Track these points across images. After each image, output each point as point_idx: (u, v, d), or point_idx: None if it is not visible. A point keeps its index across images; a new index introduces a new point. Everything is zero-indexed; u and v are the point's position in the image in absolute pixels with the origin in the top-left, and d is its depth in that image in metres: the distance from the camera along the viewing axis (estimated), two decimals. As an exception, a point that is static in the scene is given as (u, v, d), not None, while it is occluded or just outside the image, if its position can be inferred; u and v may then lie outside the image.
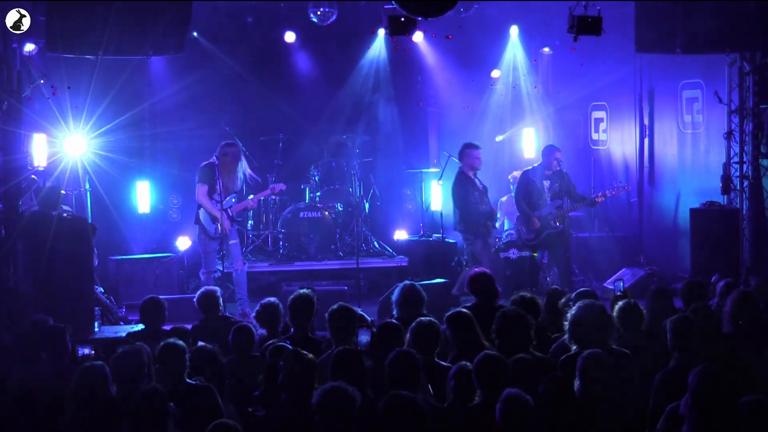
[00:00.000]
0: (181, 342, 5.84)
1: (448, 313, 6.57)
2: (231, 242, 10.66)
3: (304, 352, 5.66)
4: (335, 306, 6.44)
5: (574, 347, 5.87)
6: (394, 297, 7.34)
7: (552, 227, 11.15)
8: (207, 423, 5.02)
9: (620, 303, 6.56)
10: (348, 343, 6.23)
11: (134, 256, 12.11)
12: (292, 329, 7.02)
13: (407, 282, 7.46)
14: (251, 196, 11.24)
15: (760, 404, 4.60)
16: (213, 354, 6.06)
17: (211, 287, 8.19)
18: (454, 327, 6.38)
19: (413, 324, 6.22)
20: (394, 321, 6.60)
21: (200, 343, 6.37)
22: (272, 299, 7.42)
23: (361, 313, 6.98)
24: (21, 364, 6.35)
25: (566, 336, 6.01)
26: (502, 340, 6.12)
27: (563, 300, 7.18)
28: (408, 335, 6.26)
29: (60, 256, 8.90)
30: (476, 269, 7.96)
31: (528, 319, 6.27)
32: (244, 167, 10.87)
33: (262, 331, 7.29)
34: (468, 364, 5.46)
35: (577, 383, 5.26)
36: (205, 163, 10.65)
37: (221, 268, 10.72)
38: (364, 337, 5.99)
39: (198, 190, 10.61)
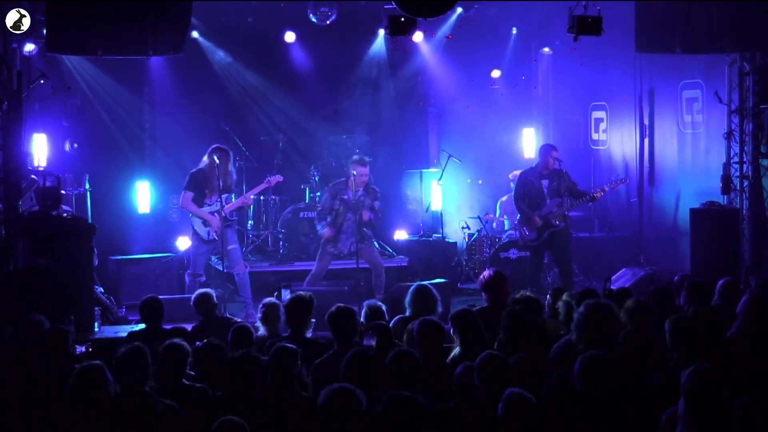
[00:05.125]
0: (185, 343, 5.83)
1: (453, 312, 6.58)
2: (230, 247, 10.51)
3: (288, 344, 5.68)
4: (333, 308, 6.43)
5: (580, 346, 5.85)
6: (407, 298, 7.37)
7: (553, 226, 11.03)
8: (199, 424, 5.02)
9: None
10: (350, 342, 6.26)
11: (134, 256, 12.11)
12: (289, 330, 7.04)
13: (421, 283, 7.50)
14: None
15: (754, 405, 4.58)
16: (220, 349, 6.05)
17: (206, 289, 8.17)
18: (460, 326, 6.38)
19: (417, 323, 6.21)
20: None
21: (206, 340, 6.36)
22: (273, 300, 7.46)
23: (379, 304, 7.09)
24: (19, 364, 6.33)
25: (573, 335, 5.97)
26: (509, 338, 6.11)
27: (564, 299, 7.17)
28: (409, 334, 6.27)
29: (60, 256, 8.89)
30: (489, 270, 7.97)
31: (536, 320, 6.27)
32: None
33: (262, 331, 7.30)
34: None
35: (578, 384, 5.25)
36: (195, 169, 10.56)
37: (221, 269, 10.69)
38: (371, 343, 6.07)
39: (182, 197, 10.56)
